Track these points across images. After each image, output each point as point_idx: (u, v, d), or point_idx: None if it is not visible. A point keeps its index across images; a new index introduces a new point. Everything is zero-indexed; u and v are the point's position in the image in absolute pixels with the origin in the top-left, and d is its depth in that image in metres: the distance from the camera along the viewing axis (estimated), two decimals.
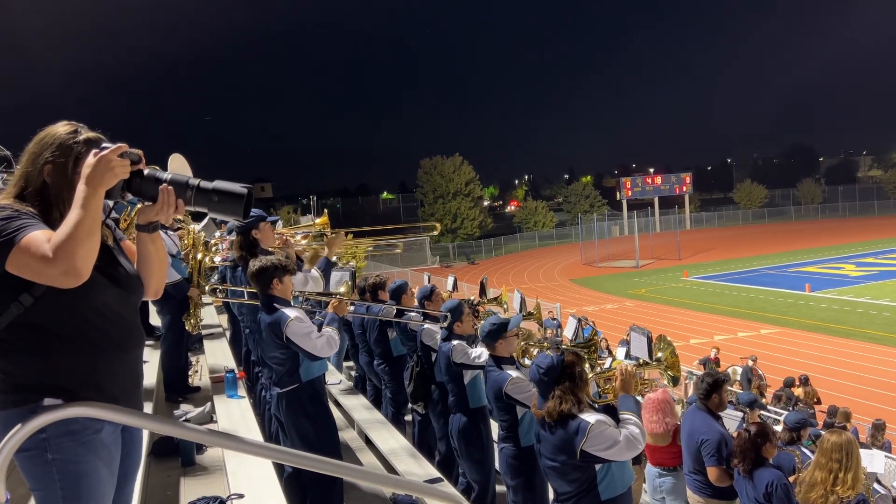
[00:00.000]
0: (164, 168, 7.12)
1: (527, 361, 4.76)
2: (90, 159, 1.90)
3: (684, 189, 63.54)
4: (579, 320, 5.58)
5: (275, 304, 4.23)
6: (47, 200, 2.00)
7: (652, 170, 77.07)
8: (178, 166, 6.92)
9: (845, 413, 10.69)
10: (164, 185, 2.02)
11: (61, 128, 2.04)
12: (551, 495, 3.84)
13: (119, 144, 1.94)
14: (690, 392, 13.60)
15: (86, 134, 2.04)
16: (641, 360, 4.09)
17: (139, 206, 2.17)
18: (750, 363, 14.34)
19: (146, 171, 2.05)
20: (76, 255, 1.81)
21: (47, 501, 2.01)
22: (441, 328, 5.09)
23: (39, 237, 1.84)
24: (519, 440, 4.30)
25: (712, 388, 5.07)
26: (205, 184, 2.02)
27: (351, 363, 8.29)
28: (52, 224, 1.92)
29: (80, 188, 1.87)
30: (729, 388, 12.85)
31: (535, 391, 3.96)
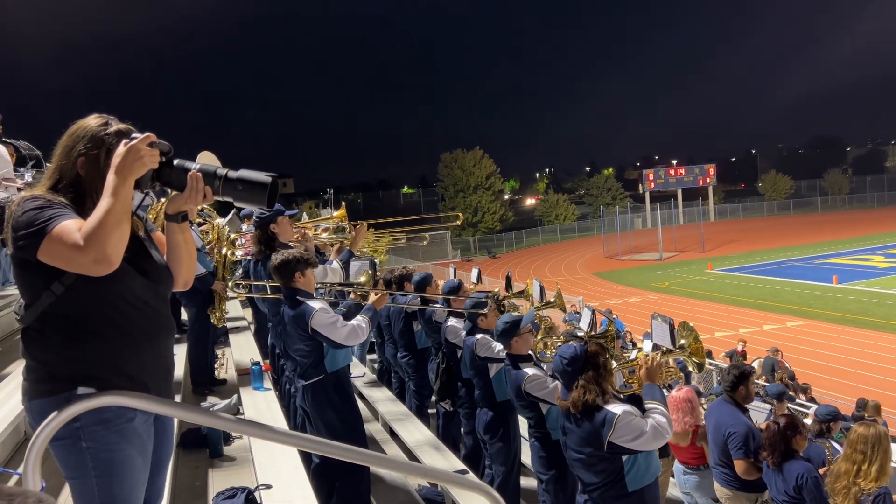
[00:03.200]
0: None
1: (548, 355, 4.73)
2: (120, 149, 1.93)
3: (708, 180, 62.83)
4: (593, 311, 5.51)
5: (298, 297, 4.25)
6: (81, 192, 2.03)
7: (675, 161, 76.31)
8: (209, 163, 6.97)
9: (876, 406, 10.50)
10: (193, 172, 2.04)
11: (92, 120, 2.07)
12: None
13: (147, 134, 1.97)
14: (714, 385, 13.48)
15: (116, 126, 2.06)
16: (664, 348, 4.04)
17: (163, 200, 2.19)
18: (770, 354, 14.14)
19: (175, 162, 2.07)
20: (107, 243, 1.84)
21: (82, 489, 2.04)
22: (468, 312, 5.08)
23: (71, 226, 1.87)
24: (549, 434, 4.27)
25: (739, 381, 5.01)
26: (231, 173, 2.04)
27: (374, 356, 8.32)
28: (85, 215, 1.94)
29: (110, 177, 1.91)
30: (756, 380, 12.69)
31: (555, 386, 3.93)
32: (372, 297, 4.52)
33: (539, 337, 5.07)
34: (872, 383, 15.58)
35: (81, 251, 1.83)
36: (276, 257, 4.31)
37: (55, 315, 1.96)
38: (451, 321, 5.52)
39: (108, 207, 1.86)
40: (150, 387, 2.08)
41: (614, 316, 15.36)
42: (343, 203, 6.32)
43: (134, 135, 1.99)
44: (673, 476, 5.83)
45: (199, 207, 2.35)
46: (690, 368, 3.99)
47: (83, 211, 1.97)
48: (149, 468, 2.17)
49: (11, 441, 3.66)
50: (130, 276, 2.05)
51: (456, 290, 5.63)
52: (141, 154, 1.92)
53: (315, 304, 4.18)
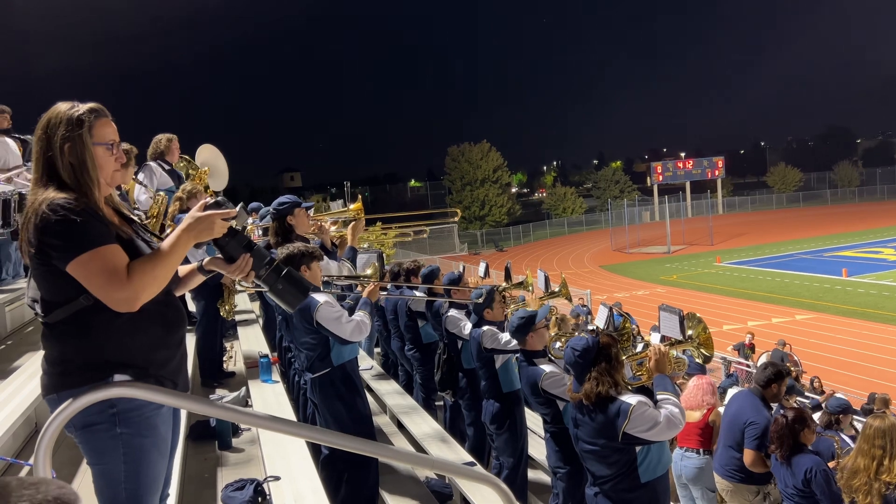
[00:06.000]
0: (193, 156, 7.15)
1: (557, 346, 4.71)
2: (196, 211, 2.01)
3: (716, 173, 62.52)
4: (611, 308, 5.48)
5: None
6: (74, 175, 2.03)
7: (683, 154, 75.86)
8: (209, 156, 6.99)
9: (884, 399, 10.46)
10: (246, 255, 2.10)
11: (60, 106, 2.08)
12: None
13: (231, 211, 2.05)
14: (723, 378, 13.44)
15: (86, 105, 2.08)
16: (673, 339, 4.02)
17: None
18: (779, 347, 14.07)
19: (242, 228, 2.18)
20: (146, 290, 1.92)
21: (108, 476, 2.08)
22: (475, 302, 5.07)
23: (121, 256, 1.93)
24: (566, 429, 4.24)
25: (773, 379, 5.00)
26: (282, 266, 2.12)
27: (379, 349, 8.34)
28: (90, 199, 1.99)
29: (178, 233, 1.99)
30: None
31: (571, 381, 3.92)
32: (365, 291, 4.52)
33: (552, 332, 5.06)
34: (881, 376, 15.51)
35: (119, 285, 1.89)
36: (282, 251, 4.31)
37: (87, 309, 1.99)
38: (452, 311, 5.53)
39: (166, 261, 1.96)
40: (176, 375, 2.16)
41: (625, 312, 15.30)
42: (359, 196, 6.29)
43: (221, 202, 2.07)
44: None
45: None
46: (698, 360, 3.98)
47: (85, 193, 2.00)
48: (167, 457, 2.22)
49: (23, 432, 3.68)
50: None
51: (456, 281, 5.65)
52: (214, 225, 2.01)
53: (320, 298, 4.18)
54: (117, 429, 2.02)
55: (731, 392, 8.31)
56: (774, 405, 5.23)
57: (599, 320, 5.34)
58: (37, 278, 2.01)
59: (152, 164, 6.23)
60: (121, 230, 2.08)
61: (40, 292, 2.02)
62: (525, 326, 4.38)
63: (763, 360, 13.39)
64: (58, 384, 2.02)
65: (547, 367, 4.31)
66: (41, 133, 2.04)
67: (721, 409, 5.55)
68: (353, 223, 5.27)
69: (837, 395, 7.77)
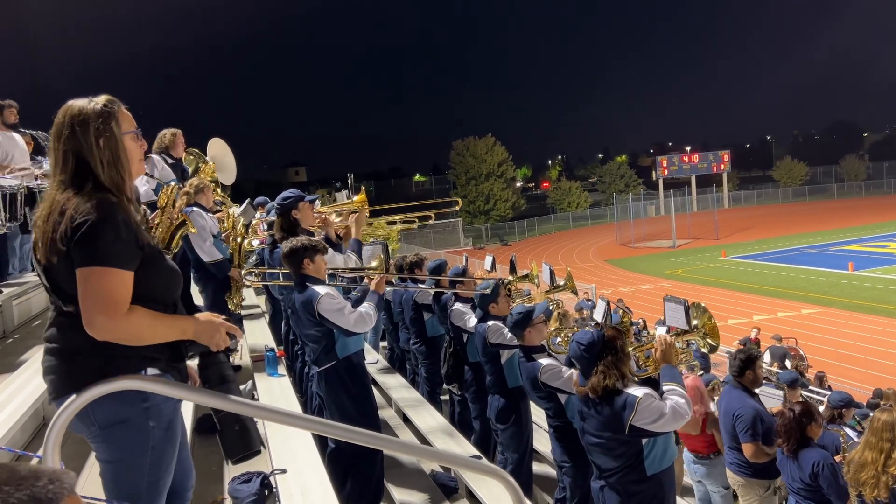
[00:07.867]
0: (204, 150, 7.17)
1: (557, 341, 4.70)
2: (213, 317, 2.14)
3: (722, 167, 62.31)
4: (608, 303, 5.47)
5: (307, 283, 4.26)
6: (110, 170, 2.01)
7: (689, 148, 75.58)
8: (218, 151, 7.00)
9: (892, 394, 10.42)
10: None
11: (78, 103, 2.04)
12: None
13: (238, 338, 2.23)
14: (727, 373, 13.41)
15: (102, 98, 2.07)
16: (679, 330, 4.01)
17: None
18: (776, 342, 14.04)
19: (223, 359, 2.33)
20: (128, 334, 1.94)
21: (132, 470, 2.08)
22: (480, 296, 5.06)
23: (129, 288, 1.93)
24: (570, 423, 4.22)
25: (746, 365, 5.01)
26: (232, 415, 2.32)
27: (385, 343, 8.35)
28: (121, 188, 2.02)
29: (189, 326, 2.08)
30: (768, 367, 12.62)
31: (570, 375, 3.92)
32: (372, 283, 4.51)
33: (553, 326, 5.04)
34: (888, 371, 15.47)
35: (113, 314, 1.88)
36: (286, 245, 4.33)
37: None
38: (457, 305, 5.53)
39: (164, 329, 2.01)
40: (186, 368, 2.23)
41: (624, 307, 15.28)
42: (363, 188, 6.27)
43: (232, 334, 2.17)
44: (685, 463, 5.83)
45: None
46: (704, 349, 3.97)
47: (120, 186, 2.02)
48: (177, 447, 2.27)
49: (31, 425, 3.70)
50: (175, 272, 2.17)
51: (462, 274, 5.66)
52: (220, 338, 2.11)
53: (321, 290, 4.18)
54: (150, 422, 2.03)
55: None
56: (758, 390, 5.24)
57: (597, 315, 5.32)
58: (66, 276, 1.94)
59: (155, 156, 6.32)
60: (148, 238, 2.07)
61: (67, 289, 1.95)
62: (523, 322, 4.37)
63: (766, 357, 13.37)
64: (87, 376, 1.94)
65: (545, 361, 4.30)
66: (68, 132, 1.98)
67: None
68: (356, 215, 5.25)
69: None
